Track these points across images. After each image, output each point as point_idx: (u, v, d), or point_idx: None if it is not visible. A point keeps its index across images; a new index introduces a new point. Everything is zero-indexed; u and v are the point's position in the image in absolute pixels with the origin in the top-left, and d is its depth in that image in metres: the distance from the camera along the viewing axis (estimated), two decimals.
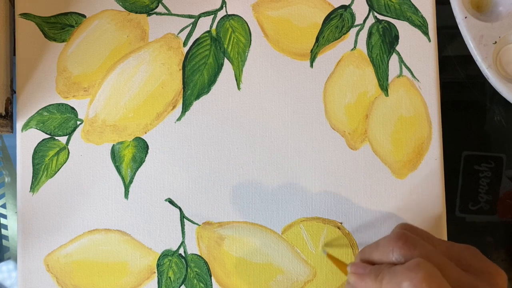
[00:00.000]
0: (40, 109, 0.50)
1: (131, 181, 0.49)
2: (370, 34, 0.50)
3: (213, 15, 0.50)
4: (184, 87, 0.50)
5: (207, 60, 0.50)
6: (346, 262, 0.45)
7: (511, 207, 0.56)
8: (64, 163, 0.49)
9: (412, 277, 0.34)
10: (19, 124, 0.49)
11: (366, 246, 0.42)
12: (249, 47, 0.50)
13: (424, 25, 0.50)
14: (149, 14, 0.50)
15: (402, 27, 0.50)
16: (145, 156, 0.49)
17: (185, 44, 0.50)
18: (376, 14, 0.51)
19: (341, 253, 0.49)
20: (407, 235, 0.39)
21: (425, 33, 0.50)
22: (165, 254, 0.49)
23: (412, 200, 0.49)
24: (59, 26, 0.50)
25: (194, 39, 0.50)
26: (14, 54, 0.51)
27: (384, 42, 0.50)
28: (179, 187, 0.49)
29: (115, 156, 0.49)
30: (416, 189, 0.49)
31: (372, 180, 0.49)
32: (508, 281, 0.37)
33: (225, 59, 0.50)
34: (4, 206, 0.56)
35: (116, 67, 0.50)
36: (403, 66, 0.50)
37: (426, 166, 0.49)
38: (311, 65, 0.50)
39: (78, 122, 0.50)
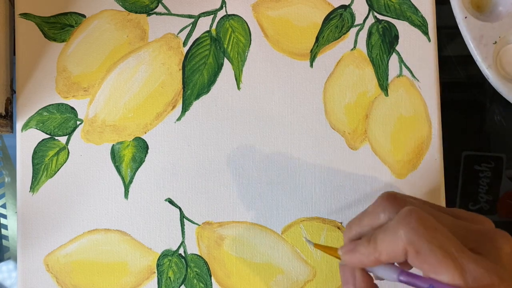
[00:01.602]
0: (40, 109, 0.50)
1: (131, 181, 0.49)
2: (370, 34, 0.50)
3: (213, 15, 0.50)
4: (184, 87, 0.50)
5: (207, 60, 0.50)
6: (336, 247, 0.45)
7: (511, 207, 0.56)
8: (64, 163, 0.49)
9: (406, 223, 0.34)
10: (19, 124, 0.49)
11: (352, 219, 0.40)
12: (249, 47, 0.50)
13: (424, 25, 0.50)
14: (149, 14, 0.50)
15: (402, 27, 0.50)
16: (145, 156, 0.49)
17: (185, 44, 0.50)
18: (376, 14, 0.51)
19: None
20: (394, 193, 0.39)
21: (425, 33, 0.50)
22: (165, 254, 0.49)
23: None
24: (59, 26, 0.50)
25: (194, 39, 0.50)
26: (14, 54, 0.51)
27: (384, 42, 0.50)
28: (179, 187, 0.49)
29: (115, 156, 0.49)
30: (416, 189, 0.49)
31: (372, 180, 0.49)
32: (504, 231, 0.37)
33: (225, 59, 0.50)
34: (4, 206, 0.56)
35: (116, 67, 0.50)
36: (403, 66, 0.50)
37: (426, 166, 0.49)
38: (311, 65, 0.50)
39: (78, 122, 0.50)
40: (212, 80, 0.50)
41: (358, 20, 0.51)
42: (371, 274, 0.38)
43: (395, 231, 0.35)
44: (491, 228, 0.37)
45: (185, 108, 0.50)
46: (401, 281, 0.36)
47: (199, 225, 0.49)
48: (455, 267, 0.33)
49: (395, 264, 0.37)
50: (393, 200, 0.38)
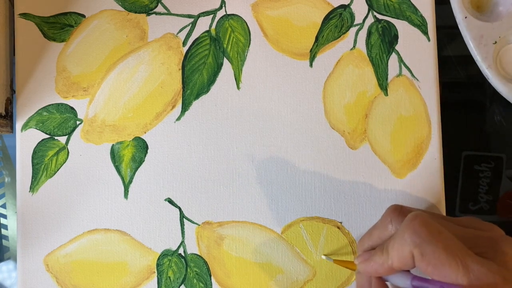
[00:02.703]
0: (39, 109, 0.50)
1: (130, 181, 0.49)
2: (369, 34, 0.50)
3: (212, 15, 0.50)
4: (183, 87, 0.50)
5: (206, 59, 0.50)
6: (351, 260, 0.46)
7: (511, 207, 0.56)
8: (64, 163, 0.49)
9: (411, 225, 0.35)
10: (18, 124, 0.49)
11: (363, 235, 0.43)
12: (249, 46, 0.50)
13: (423, 24, 0.50)
14: (148, 14, 0.50)
15: (402, 26, 0.50)
16: (145, 156, 0.49)
17: (184, 43, 0.50)
18: (375, 13, 0.51)
19: (341, 253, 0.49)
20: (401, 206, 0.41)
21: (425, 32, 0.50)
22: (165, 254, 0.49)
23: (412, 200, 0.49)
24: (59, 26, 0.50)
25: (194, 39, 0.50)
26: (14, 54, 0.51)
27: (384, 41, 0.50)
28: (178, 186, 0.49)
29: (115, 156, 0.49)
30: (415, 189, 0.49)
31: (371, 179, 0.49)
32: None
33: (225, 58, 0.50)
34: (4, 206, 0.56)
35: (115, 67, 0.50)
36: (402, 66, 0.50)
37: (426, 165, 0.49)
38: (311, 65, 0.50)
39: (78, 122, 0.50)
40: (211, 80, 0.50)
41: (358, 19, 0.51)
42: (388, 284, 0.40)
43: (402, 236, 0.36)
44: (499, 234, 0.38)
45: (184, 108, 0.50)
46: (414, 286, 0.37)
47: (199, 225, 0.49)
48: (458, 267, 0.33)
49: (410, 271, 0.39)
50: (399, 211, 0.40)
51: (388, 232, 0.40)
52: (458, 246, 0.35)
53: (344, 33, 0.51)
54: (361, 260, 0.41)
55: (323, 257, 0.49)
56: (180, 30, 0.50)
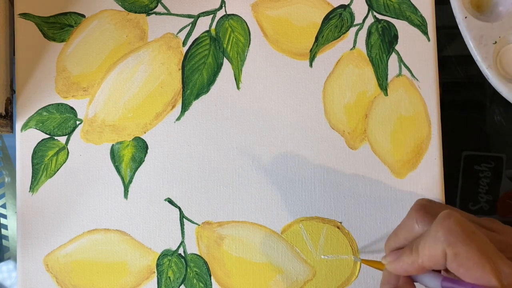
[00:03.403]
0: (39, 109, 0.50)
1: (130, 181, 0.49)
2: (369, 34, 0.50)
3: (212, 15, 0.50)
4: (183, 87, 0.50)
5: (206, 59, 0.50)
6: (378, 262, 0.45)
7: (511, 207, 0.56)
8: (64, 163, 0.49)
9: (445, 225, 0.35)
10: (18, 124, 0.49)
11: (389, 235, 0.43)
12: (249, 46, 0.50)
13: (423, 24, 0.50)
14: (148, 14, 0.50)
15: (402, 26, 0.50)
16: (145, 156, 0.49)
17: (184, 43, 0.50)
18: (375, 13, 0.51)
19: (341, 253, 0.49)
20: (425, 204, 0.40)
21: (425, 32, 0.50)
22: (165, 254, 0.49)
23: (412, 200, 0.49)
24: (59, 26, 0.50)
25: (194, 39, 0.50)
26: (14, 54, 0.51)
27: (384, 41, 0.50)
28: (178, 186, 0.49)
29: (115, 156, 0.49)
30: (415, 189, 0.49)
31: (371, 179, 0.49)
32: None
33: (225, 58, 0.50)
34: (4, 206, 0.56)
35: (115, 67, 0.50)
36: (402, 66, 0.50)
37: (426, 165, 0.49)
38: (311, 65, 0.50)
39: (78, 122, 0.50)
40: (211, 80, 0.50)
41: (358, 19, 0.51)
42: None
43: (435, 235, 0.35)
44: None
45: (184, 108, 0.50)
46: (444, 287, 0.36)
47: (198, 225, 0.49)
48: (491, 270, 0.33)
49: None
50: (425, 211, 0.40)
51: (414, 232, 0.39)
52: (491, 248, 0.34)
53: (344, 33, 0.51)
54: (390, 259, 0.40)
55: (352, 257, 0.48)
56: (180, 30, 0.50)
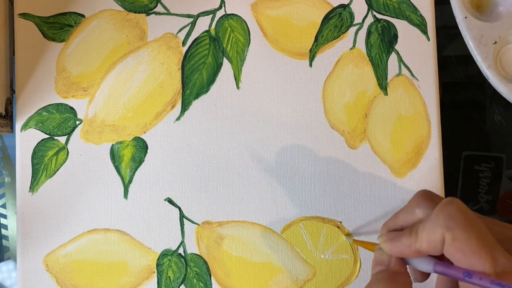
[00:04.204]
0: (39, 109, 0.50)
1: (130, 181, 0.49)
2: (369, 33, 0.50)
3: (212, 15, 0.50)
4: (183, 87, 0.50)
5: (206, 59, 0.50)
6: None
7: (511, 207, 0.56)
8: (63, 163, 0.49)
9: (446, 210, 0.35)
10: (18, 124, 0.49)
11: (389, 218, 0.42)
12: (248, 46, 0.50)
13: (423, 24, 0.50)
14: (148, 14, 0.50)
15: (401, 26, 0.50)
16: (145, 156, 0.49)
17: (184, 43, 0.50)
18: (375, 13, 0.51)
19: (340, 252, 0.49)
20: (428, 191, 0.40)
21: (424, 32, 0.50)
22: (165, 254, 0.49)
23: None
24: (58, 26, 0.50)
25: (193, 39, 0.50)
26: (14, 54, 0.51)
27: (383, 41, 0.50)
28: (178, 186, 0.49)
29: (115, 156, 0.49)
30: (415, 188, 0.49)
31: (371, 179, 0.49)
32: None
33: (224, 58, 0.50)
34: (4, 206, 0.56)
35: (115, 67, 0.50)
36: (402, 65, 0.50)
37: (426, 165, 0.49)
38: (310, 65, 0.50)
39: (77, 122, 0.50)
40: (211, 80, 0.50)
41: (357, 19, 0.51)
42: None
43: (435, 219, 0.35)
44: None
45: (184, 108, 0.50)
46: (436, 271, 0.36)
47: (198, 224, 0.49)
48: (487, 258, 0.33)
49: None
50: (429, 196, 0.39)
51: (415, 216, 0.39)
52: (490, 238, 0.35)
53: (344, 32, 0.51)
54: (386, 239, 0.39)
55: (344, 238, 0.48)
56: (180, 30, 0.50)
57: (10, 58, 0.51)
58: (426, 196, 0.39)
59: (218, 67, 0.50)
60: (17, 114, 0.50)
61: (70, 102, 0.50)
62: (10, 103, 0.50)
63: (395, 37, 0.50)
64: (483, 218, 0.38)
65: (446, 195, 0.49)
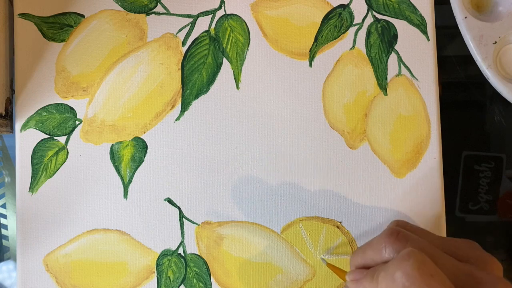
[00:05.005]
0: (39, 109, 0.50)
1: (130, 181, 0.49)
2: (368, 33, 0.50)
3: (211, 15, 0.50)
4: (183, 87, 0.50)
5: (206, 59, 0.50)
6: (345, 269, 0.45)
7: (511, 207, 0.56)
8: (63, 163, 0.49)
9: (404, 266, 0.35)
10: (18, 124, 0.49)
11: (358, 248, 0.42)
12: (248, 46, 0.50)
13: (423, 24, 0.50)
14: (147, 14, 0.50)
15: (401, 26, 0.50)
16: (144, 156, 0.49)
17: (183, 43, 0.50)
18: (374, 13, 0.51)
19: (340, 252, 0.49)
20: (399, 230, 0.39)
21: (424, 32, 0.50)
22: (164, 254, 0.49)
23: (412, 199, 0.49)
24: (58, 26, 0.50)
25: (193, 39, 0.50)
26: (13, 54, 0.51)
27: (383, 41, 0.50)
28: (178, 186, 0.49)
29: (114, 156, 0.49)
30: (415, 188, 0.49)
31: (371, 179, 0.49)
32: (507, 282, 0.37)
33: (224, 58, 0.50)
34: (4, 206, 0.56)
35: (115, 67, 0.50)
36: (402, 65, 0.50)
37: (425, 165, 0.49)
38: (310, 65, 0.50)
39: (77, 122, 0.50)
40: (211, 80, 0.50)
41: (357, 19, 0.51)
42: None
43: (393, 273, 0.35)
44: (494, 278, 0.37)
45: (184, 108, 0.50)
46: None
47: (198, 224, 0.49)
48: None
49: None
50: (396, 237, 0.39)
51: (381, 256, 0.39)
52: None
53: (344, 32, 0.51)
54: (352, 278, 0.41)
55: (320, 257, 0.49)
56: (180, 30, 0.50)
57: (10, 58, 0.51)
58: (393, 237, 0.39)
59: (217, 67, 0.50)
60: (16, 114, 0.50)
61: (70, 102, 0.50)
62: (10, 103, 0.50)
63: (394, 37, 0.50)
64: (448, 258, 0.37)
65: (446, 195, 0.49)
